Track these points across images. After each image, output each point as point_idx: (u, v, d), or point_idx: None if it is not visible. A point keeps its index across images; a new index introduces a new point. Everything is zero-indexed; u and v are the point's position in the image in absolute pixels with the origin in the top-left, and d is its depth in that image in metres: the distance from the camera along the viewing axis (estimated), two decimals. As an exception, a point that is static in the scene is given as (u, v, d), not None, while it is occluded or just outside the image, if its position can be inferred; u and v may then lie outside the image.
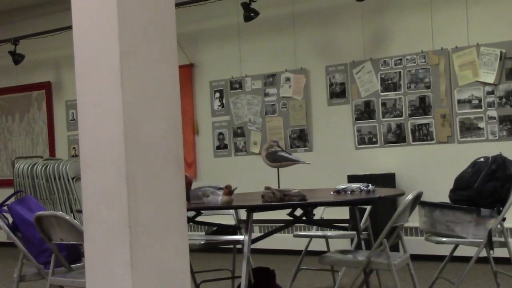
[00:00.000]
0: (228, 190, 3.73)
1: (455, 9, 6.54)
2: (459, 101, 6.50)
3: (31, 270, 4.00)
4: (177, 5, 6.39)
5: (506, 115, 6.29)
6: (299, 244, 5.61)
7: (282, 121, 7.53)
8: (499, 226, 4.25)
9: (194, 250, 4.34)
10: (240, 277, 3.82)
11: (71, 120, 9.19)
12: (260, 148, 7.41)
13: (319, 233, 5.20)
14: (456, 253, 4.59)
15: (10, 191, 7.72)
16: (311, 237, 5.21)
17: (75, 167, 7.94)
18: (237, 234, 4.82)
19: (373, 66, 6.94)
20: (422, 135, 6.70)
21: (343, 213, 5.64)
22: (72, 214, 7.79)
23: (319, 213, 5.10)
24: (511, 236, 5.74)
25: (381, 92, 6.90)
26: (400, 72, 6.80)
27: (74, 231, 3.53)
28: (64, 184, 7.97)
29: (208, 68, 8.05)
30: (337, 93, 7.21)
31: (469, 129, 6.46)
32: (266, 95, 7.63)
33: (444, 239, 4.32)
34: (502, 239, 4.32)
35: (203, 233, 6.70)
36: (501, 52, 6.27)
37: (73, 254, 4.01)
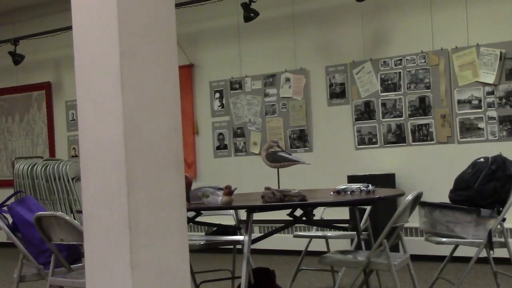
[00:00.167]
0: (228, 191, 3.73)
1: (455, 10, 6.54)
2: (459, 102, 6.50)
3: (31, 271, 4.00)
4: (177, 5, 6.40)
5: (506, 115, 6.29)
6: (299, 245, 5.61)
7: (282, 122, 7.53)
8: (499, 226, 4.25)
9: (194, 250, 4.35)
10: (240, 277, 3.82)
11: (71, 120, 9.19)
12: (260, 148, 7.41)
13: (319, 233, 5.20)
14: (456, 254, 4.59)
15: (10, 191, 7.72)
16: (311, 237, 5.20)
17: (75, 167, 7.94)
18: (237, 235, 4.82)
19: (373, 66, 6.94)
20: (422, 135, 6.70)
21: (343, 213, 5.64)
22: (72, 214, 7.79)
23: (319, 213, 5.10)
24: (511, 237, 5.74)
25: (381, 92, 6.90)
26: (400, 72, 6.80)
27: (74, 231, 3.53)
28: (64, 184, 7.97)
29: (208, 68, 8.05)
30: (337, 93, 7.21)
31: (469, 129, 6.46)
32: (266, 95, 7.63)
33: (444, 239, 4.31)
34: (502, 240, 4.32)
35: (203, 233, 6.69)
36: (501, 52, 6.27)
37: (73, 255, 4.01)
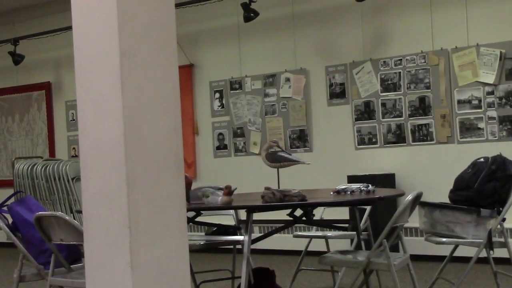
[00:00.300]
0: (228, 191, 3.73)
1: (455, 10, 6.54)
2: (459, 102, 6.50)
3: (31, 271, 4.00)
4: (177, 5, 6.40)
5: (506, 115, 6.29)
6: (299, 245, 5.61)
7: (282, 122, 7.53)
8: (499, 226, 4.25)
9: (194, 250, 4.35)
10: (240, 277, 3.82)
11: (71, 120, 9.19)
12: (260, 148, 7.41)
13: (319, 233, 5.20)
14: (456, 254, 4.59)
15: (10, 191, 7.72)
16: (311, 237, 5.20)
17: (75, 167, 7.94)
18: (237, 235, 4.82)
19: (373, 66, 6.94)
20: (422, 135, 6.70)
21: (343, 213, 5.64)
22: (72, 214, 7.79)
23: (319, 213, 5.10)
24: (511, 237, 5.74)
25: (381, 92, 6.90)
26: (400, 72, 6.80)
27: (74, 231, 3.53)
28: (64, 184, 7.97)
29: (208, 68, 8.05)
30: (337, 93, 7.21)
31: (469, 129, 6.46)
32: (266, 95, 7.63)
33: (444, 239, 4.31)
34: (502, 240, 4.32)
35: (203, 233, 6.71)
36: (501, 52, 6.27)
37: (73, 255, 4.01)
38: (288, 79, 7.50)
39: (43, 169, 8.11)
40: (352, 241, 4.95)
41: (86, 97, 2.65)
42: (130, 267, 2.50)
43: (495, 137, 6.32)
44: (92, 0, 2.62)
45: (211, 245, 4.84)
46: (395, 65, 6.83)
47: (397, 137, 6.83)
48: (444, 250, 4.87)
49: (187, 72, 7.99)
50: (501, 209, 4.25)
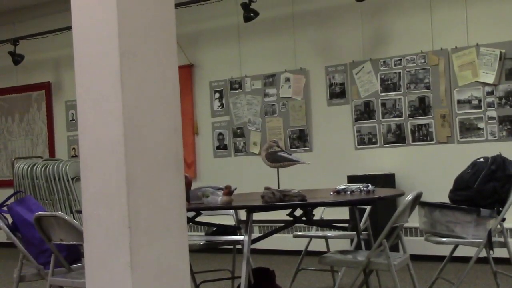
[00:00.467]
0: (228, 191, 3.73)
1: (455, 9, 6.54)
2: (459, 102, 6.50)
3: (31, 271, 4.00)
4: (177, 5, 6.40)
5: (505, 115, 6.29)
6: (299, 245, 5.61)
7: (281, 122, 7.53)
8: (498, 226, 4.25)
9: (194, 250, 4.35)
10: (240, 277, 3.82)
11: (71, 120, 9.19)
12: (260, 148, 7.41)
13: (319, 233, 5.20)
14: (456, 254, 4.59)
15: (10, 191, 7.72)
16: (311, 237, 5.20)
17: (75, 167, 7.94)
18: (237, 235, 4.82)
19: (373, 66, 6.94)
20: (422, 135, 6.70)
21: (343, 213, 5.64)
22: (72, 214, 7.79)
23: (319, 213, 5.10)
24: (511, 237, 5.74)
25: (381, 92, 6.90)
26: (399, 72, 6.80)
27: (74, 231, 3.53)
28: (64, 184, 7.97)
29: (208, 68, 8.05)
30: (337, 93, 7.21)
31: (468, 129, 6.46)
32: (265, 95, 7.63)
33: (444, 239, 4.31)
34: (502, 239, 4.32)
35: (203, 233, 6.72)
36: (500, 52, 6.27)
37: (73, 255, 4.01)
38: (288, 79, 7.50)
39: (43, 169, 8.11)
40: (352, 241, 4.95)
41: (86, 97, 2.65)
42: (130, 267, 2.51)
43: (495, 137, 6.33)
44: (92, 0, 2.62)
45: (211, 245, 4.84)
46: (395, 65, 6.83)
47: (397, 137, 6.83)
48: (444, 250, 4.87)
49: (187, 72, 8.00)
50: (501, 209, 4.25)
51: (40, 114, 9.52)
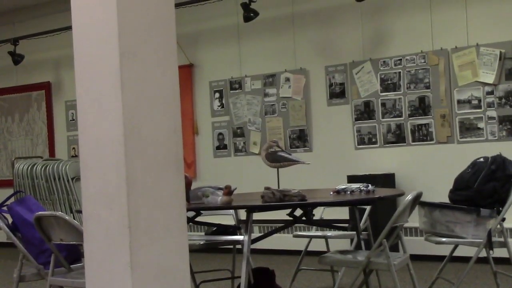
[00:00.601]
0: (228, 190, 3.73)
1: (455, 9, 6.54)
2: (459, 101, 6.50)
3: (30, 271, 4.00)
4: (177, 5, 6.40)
5: (505, 115, 6.29)
6: (299, 244, 5.61)
7: (281, 121, 7.53)
8: (498, 226, 4.25)
9: (194, 250, 4.35)
10: (240, 277, 3.82)
11: (70, 120, 9.19)
12: (260, 148, 7.41)
13: (319, 233, 5.20)
14: (455, 253, 4.59)
15: (10, 191, 7.72)
16: (310, 237, 5.20)
17: (75, 167, 7.94)
18: (236, 234, 4.82)
19: (373, 66, 6.94)
20: (422, 135, 6.70)
21: (342, 213, 5.64)
22: (72, 214, 7.79)
23: (319, 213, 5.10)
24: (510, 236, 5.74)
25: (381, 92, 6.90)
26: (399, 72, 6.80)
27: (73, 231, 3.53)
28: (64, 184, 7.97)
29: (208, 68, 8.05)
30: (337, 93, 7.21)
31: (468, 129, 6.46)
32: (265, 95, 7.64)
33: (443, 239, 4.31)
34: (502, 239, 4.32)
35: (203, 233, 6.71)
36: (500, 52, 6.27)
37: (73, 255, 4.01)
38: (288, 79, 7.50)
39: (43, 169, 8.11)
40: (352, 241, 4.96)
41: (86, 97, 2.65)
42: (130, 267, 2.51)
43: (495, 137, 6.33)
44: (92, 0, 2.62)
45: (211, 245, 4.84)
46: (395, 65, 6.83)
47: (397, 137, 6.83)
48: (444, 250, 4.87)
49: (187, 72, 8.00)
50: (500, 209, 4.25)
51: (40, 114, 9.52)
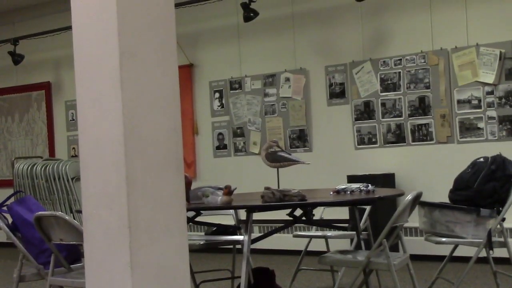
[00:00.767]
0: (228, 190, 3.73)
1: (455, 10, 6.54)
2: (459, 101, 6.50)
3: (30, 271, 4.00)
4: (177, 5, 6.40)
5: (505, 115, 6.29)
6: (299, 244, 5.61)
7: (281, 121, 7.53)
8: (498, 226, 4.25)
9: (194, 250, 4.35)
10: (239, 277, 3.82)
11: (70, 120, 9.19)
12: (260, 148, 7.41)
13: (319, 233, 5.20)
14: (455, 253, 4.59)
15: (10, 191, 7.72)
16: (310, 237, 5.21)
17: (75, 167, 7.94)
18: (236, 234, 4.82)
19: (373, 66, 6.94)
20: (422, 135, 6.70)
21: (342, 213, 5.64)
22: (71, 214, 7.79)
23: (319, 213, 5.10)
24: (510, 236, 5.74)
25: (381, 92, 6.90)
26: (399, 72, 6.80)
27: (73, 231, 3.53)
28: (63, 184, 7.97)
29: (208, 68, 8.05)
30: (337, 93, 7.21)
31: (468, 129, 6.46)
32: (265, 95, 7.64)
33: (443, 239, 4.31)
34: (502, 239, 4.32)
35: (203, 233, 6.71)
36: (500, 52, 6.27)
37: (73, 254, 4.01)
38: (288, 79, 7.51)
39: (43, 169, 8.11)
40: (352, 241, 4.96)
41: (86, 97, 2.65)
42: (130, 267, 2.51)
43: (495, 137, 6.33)
44: (92, 0, 2.62)
45: (211, 245, 4.84)
46: (395, 65, 6.83)
47: (397, 137, 6.83)
48: (444, 250, 4.87)
49: (187, 72, 8.00)
50: (500, 209, 4.25)
51: (40, 114, 9.52)
